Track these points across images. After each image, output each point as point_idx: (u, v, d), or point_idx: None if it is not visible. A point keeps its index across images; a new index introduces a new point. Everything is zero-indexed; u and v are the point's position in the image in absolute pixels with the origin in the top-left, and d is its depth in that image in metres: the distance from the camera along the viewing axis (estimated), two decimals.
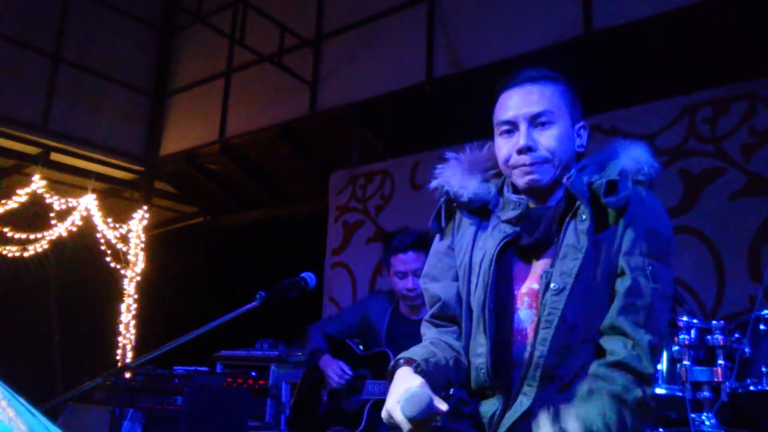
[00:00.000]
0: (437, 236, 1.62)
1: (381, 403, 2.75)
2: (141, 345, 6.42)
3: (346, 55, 5.56)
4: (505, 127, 1.46)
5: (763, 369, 2.35)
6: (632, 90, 4.27)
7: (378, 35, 5.37)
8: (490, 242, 1.48)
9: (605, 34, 4.14)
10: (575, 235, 1.38)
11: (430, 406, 1.24)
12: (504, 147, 1.47)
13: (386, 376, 2.74)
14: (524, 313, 1.43)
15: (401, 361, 1.42)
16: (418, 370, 1.38)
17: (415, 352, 1.45)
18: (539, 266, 1.44)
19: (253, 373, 4.46)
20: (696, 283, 3.63)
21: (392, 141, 5.50)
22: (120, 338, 6.44)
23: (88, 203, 6.32)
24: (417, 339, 2.79)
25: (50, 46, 6.23)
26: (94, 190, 6.48)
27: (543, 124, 1.42)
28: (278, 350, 4.59)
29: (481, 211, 1.54)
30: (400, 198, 4.96)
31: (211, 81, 6.59)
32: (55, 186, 6.44)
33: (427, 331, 1.59)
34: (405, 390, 1.28)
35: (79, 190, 6.50)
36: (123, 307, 6.47)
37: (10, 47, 5.93)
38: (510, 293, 1.44)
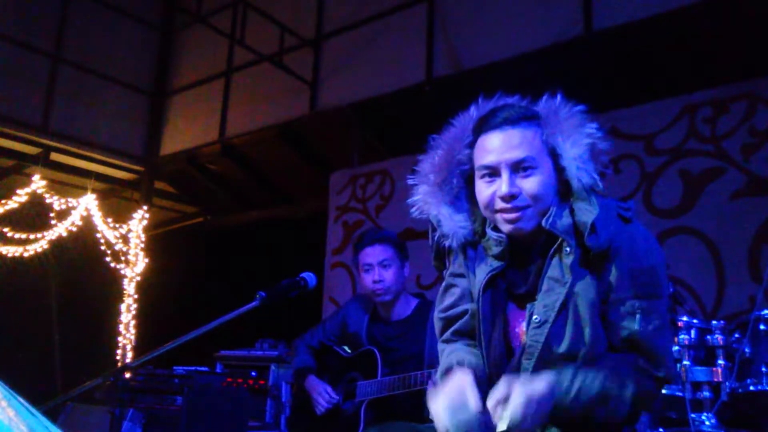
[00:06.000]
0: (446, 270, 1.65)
1: (375, 402, 2.77)
2: (141, 345, 6.43)
3: (346, 55, 5.56)
4: (486, 172, 1.43)
5: (763, 369, 2.35)
6: (632, 90, 4.27)
7: (378, 35, 5.37)
8: (479, 275, 1.52)
9: (605, 34, 4.14)
10: (560, 269, 1.39)
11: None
12: (485, 191, 1.44)
13: (376, 375, 2.75)
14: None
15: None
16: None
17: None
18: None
19: (253, 373, 4.46)
20: (696, 283, 3.63)
21: (392, 141, 5.50)
22: (120, 338, 6.44)
23: (88, 203, 6.32)
24: (397, 341, 2.81)
25: (50, 46, 6.23)
26: (94, 190, 6.49)
27: (525, 170, 1.39)
28: (278, 350, 4.58)
29: (470, 243, 1.56)
30: (400, 198, 4.95)
31: (211, 81, 6.60)
32: (55, 186, 6.45)
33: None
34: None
35: (79, 190, 6.51)
36: (123, 307, 6.47)
37: (10, 47, 5.94)
38: (501, 323, 1.47)
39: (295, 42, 5.73)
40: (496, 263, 1.49)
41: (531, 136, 1.41)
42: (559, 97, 1.47)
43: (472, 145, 1.49)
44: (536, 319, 1.38)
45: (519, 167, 1.39)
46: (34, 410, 0.79)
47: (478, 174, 1.46)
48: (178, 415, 3.26)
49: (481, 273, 1.50)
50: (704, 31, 3.94)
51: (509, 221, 1.41)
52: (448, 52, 4.89)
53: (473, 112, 1.53)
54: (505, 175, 1.39)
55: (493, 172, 1.42)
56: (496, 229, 1.48)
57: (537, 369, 1.37)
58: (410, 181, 1.57)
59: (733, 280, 3.52)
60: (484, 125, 1.45)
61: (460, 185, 1.53)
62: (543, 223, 1.39)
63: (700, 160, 3.77)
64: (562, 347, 1.36)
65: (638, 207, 3.84)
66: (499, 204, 1.40)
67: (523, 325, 1.44)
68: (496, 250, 1.48)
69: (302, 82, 5.67)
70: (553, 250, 1.41)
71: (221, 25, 5.92)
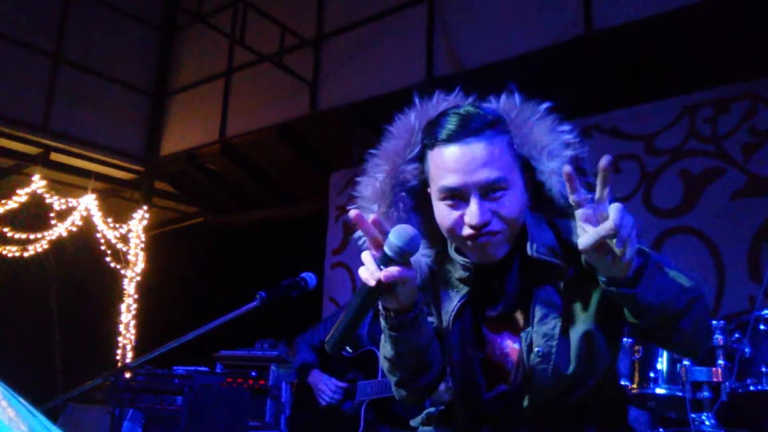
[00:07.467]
0: None
1: (375, 402, 2.78)
2: (141, 345, 6.43)
3: (346, 55, 5.56)
4: (448, 194, 1.20)
5: (763, 369, 2.35)
6: (632, 90, 4.27)
7: (378, 35, 5.37)
8: (447, 304, 1.34)
9: (605, 34, 4.14)
10: (551, 292, 1.24)
11: (416, 238, 1.13)
12: (448, 216, 1.21)
13: (376, 375, 2.75)
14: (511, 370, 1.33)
15: None
16: None
17: None
18: (510, 323, 1.32)
19: (253, 373, 4.47)
20: None
21: None
22: (120, 338, 6.44)
23: (88, 203, 6.32)
24: None
25: (50, 46, 6.23)
26: (94, 190, 6.49)
27: (495, 191, 1.18)
28: (278, 350, 4.59)
29: (434, 272, 1.38)
30: None
31: (211, 81, 6.60)
32: (55, 186, 6.44)
33: None
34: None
35: (79, 190, 6.51)
36: (123, 307, 6.48)
37: (11, 47, 5.94)
38: (477, 351, 1.32)
39: (296, 42, 5.73)
40: (464, 288, 1.32)
41: (499, 149, 1.18)
42: (517, 96, 1.27)
43: (419, 159, 1.29)
44: (538, 351, 1.24)
45: (489, 189, 1.17)
46: (34, 410, 0.79)
47: (436, 195, 1.23)
48: (178, 415, 3.26)
49: (449, 301, 1.33)
50: (704, 31, 3.94)
51: (480, 249, 1.21)
52: (448, 52, 4.89)
53: (414, 119, 1.34)
54: (474, 200, 1.17)
55: (457, 195, 1.19)
56: (459, 250, 1.30)
57: (543, 398, 1.26)
58: (351, 214, 1.23)
59: (733, 280, 3.53)
60: (437, 135, 1.20)
61: (409, 206, 1.31)
62: (528, 250, 1.23)
63: (700, 160, 3.77)
64: (570, 372, 1.25)
65: (638, 207, 3.84)
66: (467, 231, 1.19)
67: (516, 347, 1.29)
68: (462, 273, 1.31)
69: (302, 82, 5.67)
70: (539, 273, 1.25)
71: (221, 25, 5.92)
